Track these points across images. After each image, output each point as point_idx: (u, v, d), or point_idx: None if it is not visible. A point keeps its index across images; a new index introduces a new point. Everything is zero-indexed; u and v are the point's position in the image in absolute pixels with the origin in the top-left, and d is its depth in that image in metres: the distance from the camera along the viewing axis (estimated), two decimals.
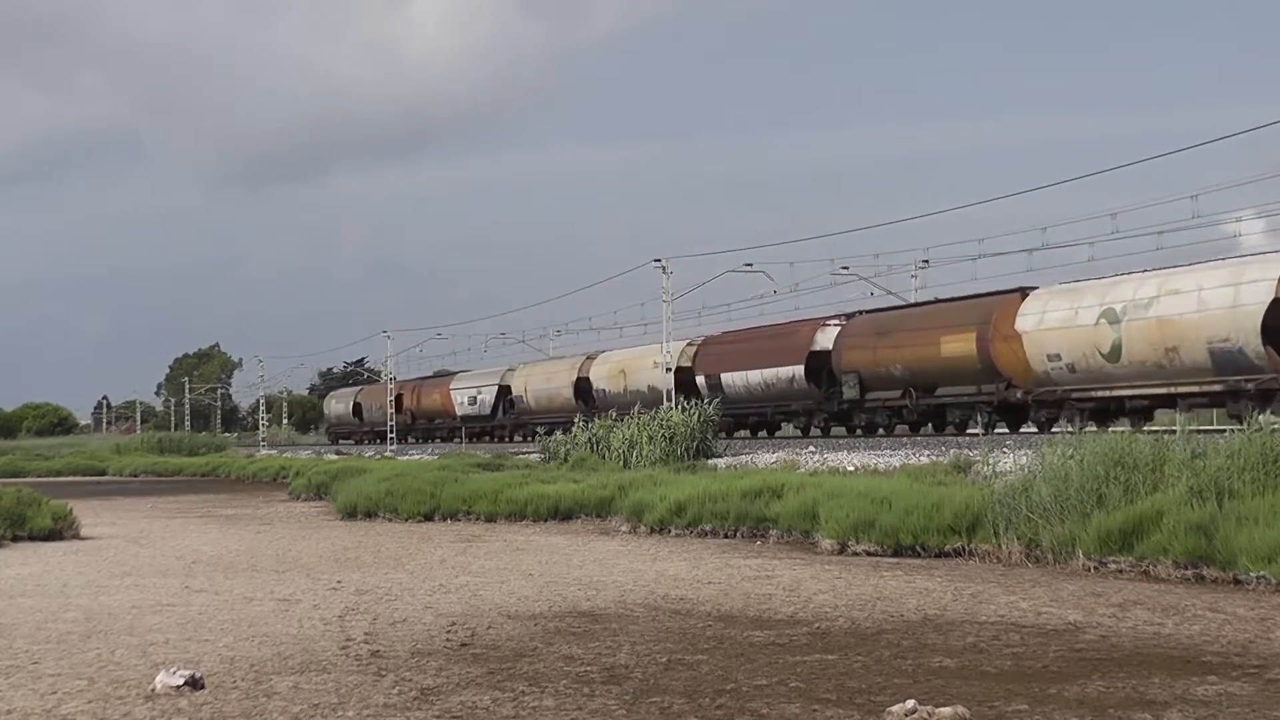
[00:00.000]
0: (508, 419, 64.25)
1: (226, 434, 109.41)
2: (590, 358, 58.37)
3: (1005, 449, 22.46)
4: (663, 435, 32.30)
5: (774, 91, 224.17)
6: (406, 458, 47.31)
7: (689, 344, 49.57)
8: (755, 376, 43.93)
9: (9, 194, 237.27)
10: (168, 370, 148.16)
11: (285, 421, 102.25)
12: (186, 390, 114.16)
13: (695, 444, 32.43)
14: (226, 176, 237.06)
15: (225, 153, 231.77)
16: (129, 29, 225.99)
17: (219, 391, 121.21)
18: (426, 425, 74.45)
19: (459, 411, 68.41)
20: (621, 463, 31.44)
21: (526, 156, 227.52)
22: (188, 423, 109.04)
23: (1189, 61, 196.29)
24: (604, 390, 54.83)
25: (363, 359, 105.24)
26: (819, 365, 41.36)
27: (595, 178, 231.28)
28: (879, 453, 27.06)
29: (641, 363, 52.42)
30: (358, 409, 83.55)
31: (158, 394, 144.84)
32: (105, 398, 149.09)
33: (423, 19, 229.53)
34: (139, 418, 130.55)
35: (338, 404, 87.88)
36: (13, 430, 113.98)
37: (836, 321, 42.12)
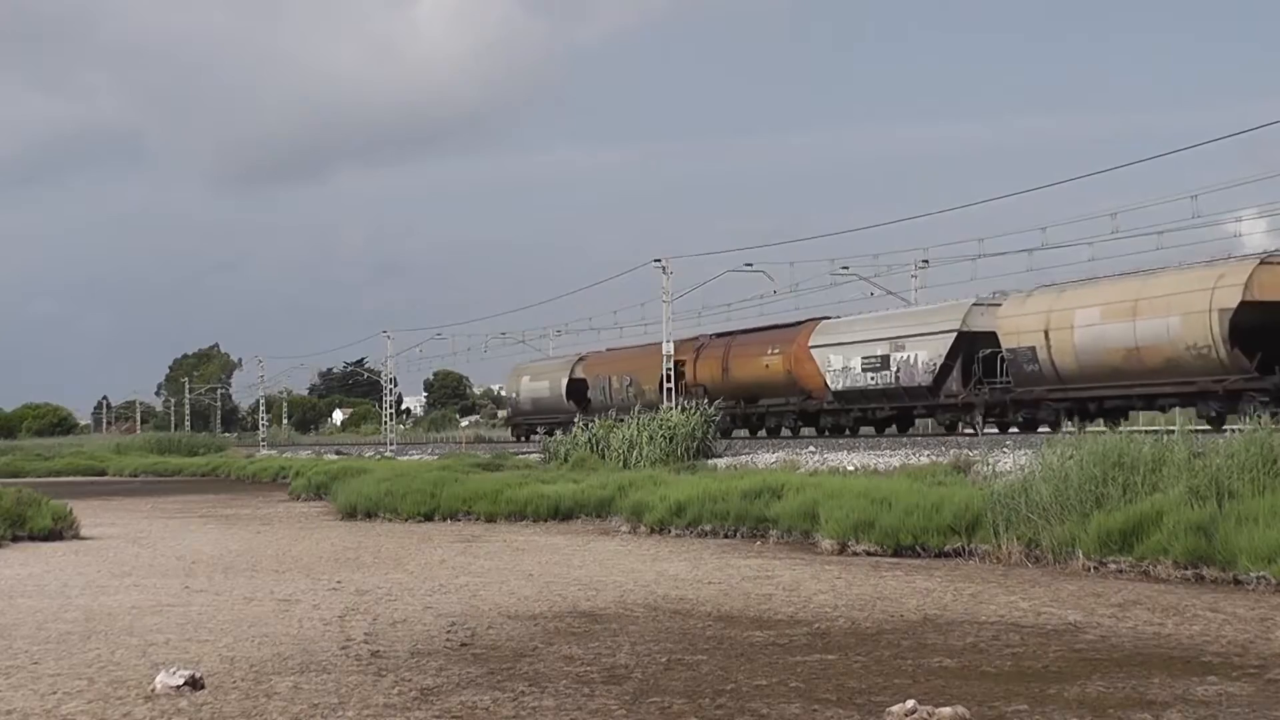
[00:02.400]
0: (982, 394, 35.04)
1: (226, 434, 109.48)
2: (1268, 260, 29.02)
3: (1005, 449, 22.47)
4: (662, 435, 32.31)
5: (774, 91, 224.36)
6: (406, 458, 47.29)
7: None
8: None
9: (10, 194, 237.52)
10: (168, 370, 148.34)
11: (285, 422, 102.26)
12: (186, 390, 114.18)
13: (695, 444, 32.45)
14: (227, 177, 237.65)
15: (226, 153, 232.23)
16: (131, 29, 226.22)
17: (219, 392, 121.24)
18: (735, 408, 44.57)
19: (833, 383, 39.76)
20: (621, 463, 31.45)
21: (527, 156, 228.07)
22: (188, 423, 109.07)
23: (1189, 62, 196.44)
24: None
25: (363, 359, 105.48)
26: None
27: (596, 178, 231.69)
28: (878, 453, 27.06)
29: None
30: (577, 388, 55.58)
31: (158, 394, 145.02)
32: (105, 398, 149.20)
33: (425, 19, 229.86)
34: (139, 418, 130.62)
35: (534, 383, 59.31)
36: (13, 430, 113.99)
37: None
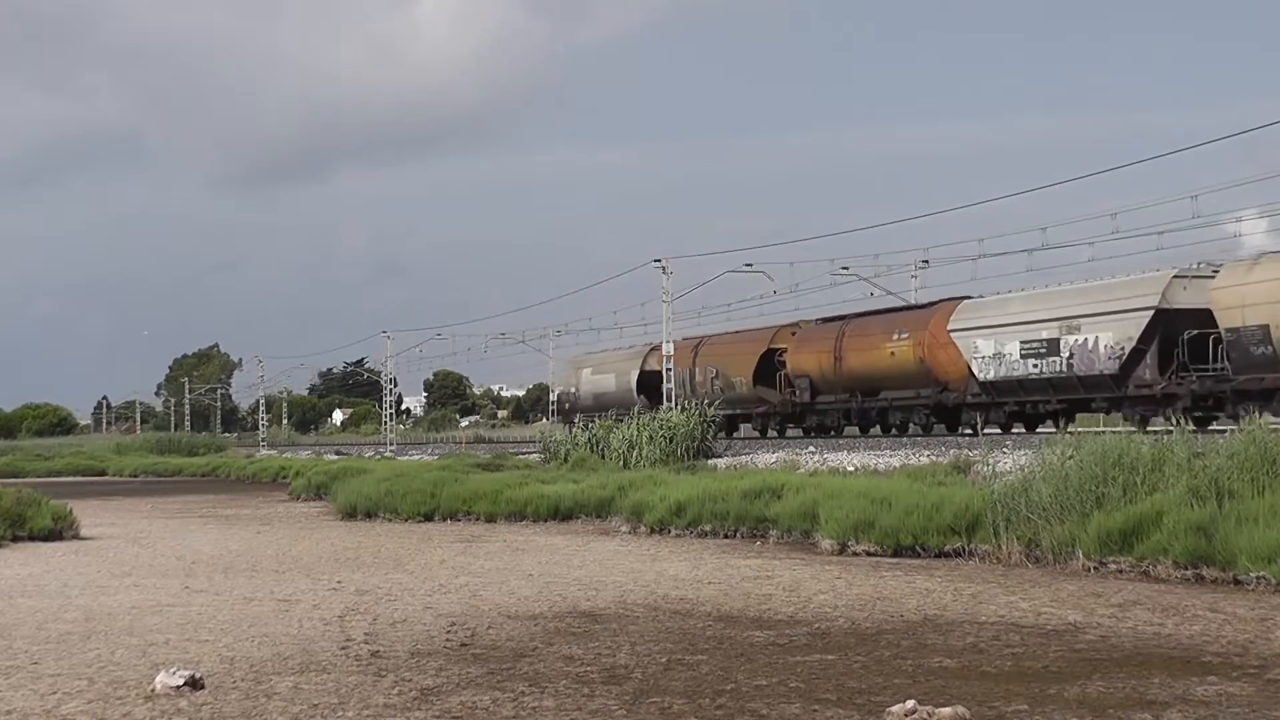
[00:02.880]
0: (1187, 383, 28.89)
1: (226, 434, 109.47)
2: None
3: (1005, 449, 22.45)
4: (663, 435, 32.31)
5: (775, 91, 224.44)
6: (406, 458, 47.28)
7: None
8: None
9: (11, 195, 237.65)
10: (168, 370, 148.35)
11: (285, 422, 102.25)
12: (186, 390, 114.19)
13: (695, 444, 32.44)
14: (228, 177, 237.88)
15: (227, 153, 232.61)
16: (131, 29, 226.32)
17: (219, 392, 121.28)
18: (849, 403, 39.22)
19: (981, 372, 33.59)
20: (621, 463, 31.45)
21: (527, 156, 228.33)
22: (188, 423, 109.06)
23: (1189, 62, 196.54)
24: None
25: (363, 359, 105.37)
26: None
27: (596, 178, 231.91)
28: (879, 453, 27.05)
29: None
30: (650, 381, 47.95)
31: (158, 394, 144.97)
32: (105, 398, 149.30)
33: (425, 20, 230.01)
34: (139, 418, 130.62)
35: (597, 376, 52.88)
36: (13, 430, 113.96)
37: None
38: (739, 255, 53.67)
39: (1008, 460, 19.91)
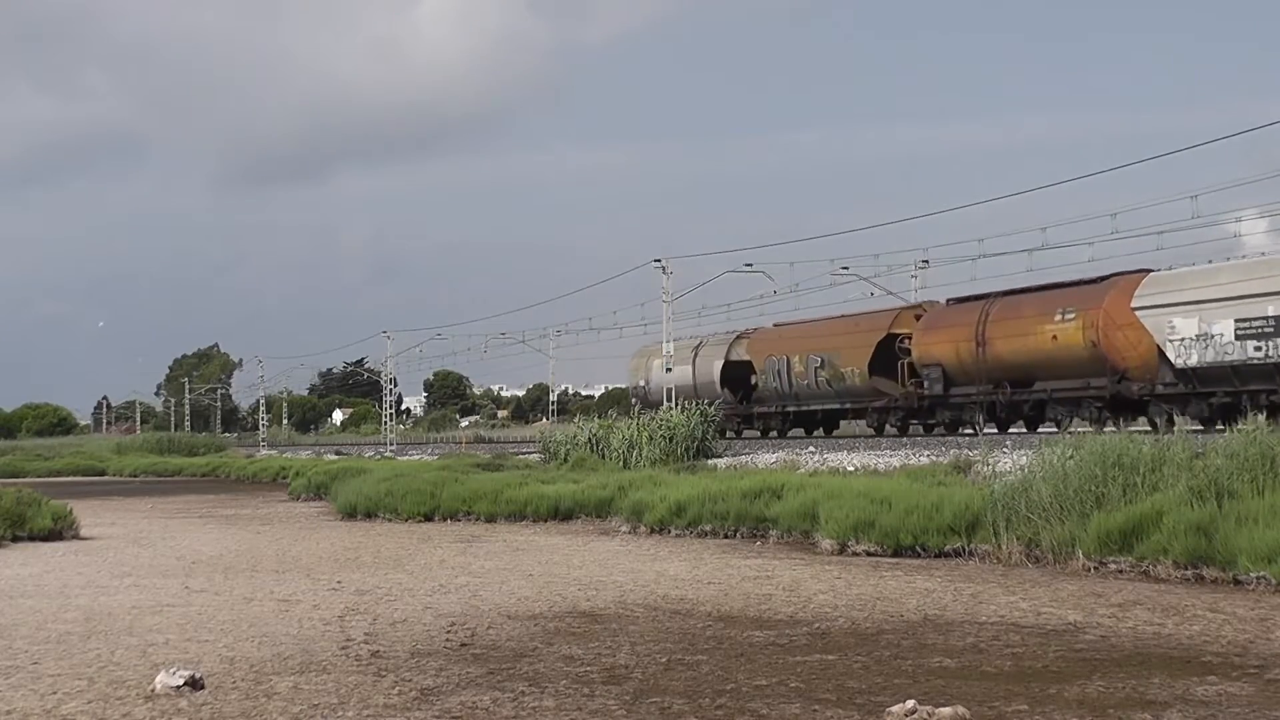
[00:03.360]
0: None
1: (226, 434, 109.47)
2: None
3: (1005, 449, 22.46)
4: (662, 435, 32.29)
5: (776, 92, 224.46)
6: (406, 458, 47.26)
7: None
8: None
9: (12, 196, 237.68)
10: (168, 370, 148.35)
11: (285, 422, 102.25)
12: (186, 390, 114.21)
13: (695, 444, 32.42)
14: (229, 177, 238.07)
15: (228, 153, 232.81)
16: (131, 29, 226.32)
17: (219, 392, 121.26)
18: (993, 394, 34.12)
19: (1179, 358, 28.66)
20: (621, 463, 31.43)
21: (529, 157, 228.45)
22: (188, 423, 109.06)
23: (1189, 62, 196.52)
24: None
25: (363, 359, 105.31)
26: None
27: (596, 178, 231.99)
28: (879, 453, 27.04)
29: None
30: (736, 373, 44.64)
31: (158, 394, 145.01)
32: (105, 398, 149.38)
33: (427, 20, 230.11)
34: (139, 418, 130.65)
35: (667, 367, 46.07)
36: (13, 430, 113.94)
37: None
38: (739, 255, 53.68)
39: (1007, 460, 19.92)
